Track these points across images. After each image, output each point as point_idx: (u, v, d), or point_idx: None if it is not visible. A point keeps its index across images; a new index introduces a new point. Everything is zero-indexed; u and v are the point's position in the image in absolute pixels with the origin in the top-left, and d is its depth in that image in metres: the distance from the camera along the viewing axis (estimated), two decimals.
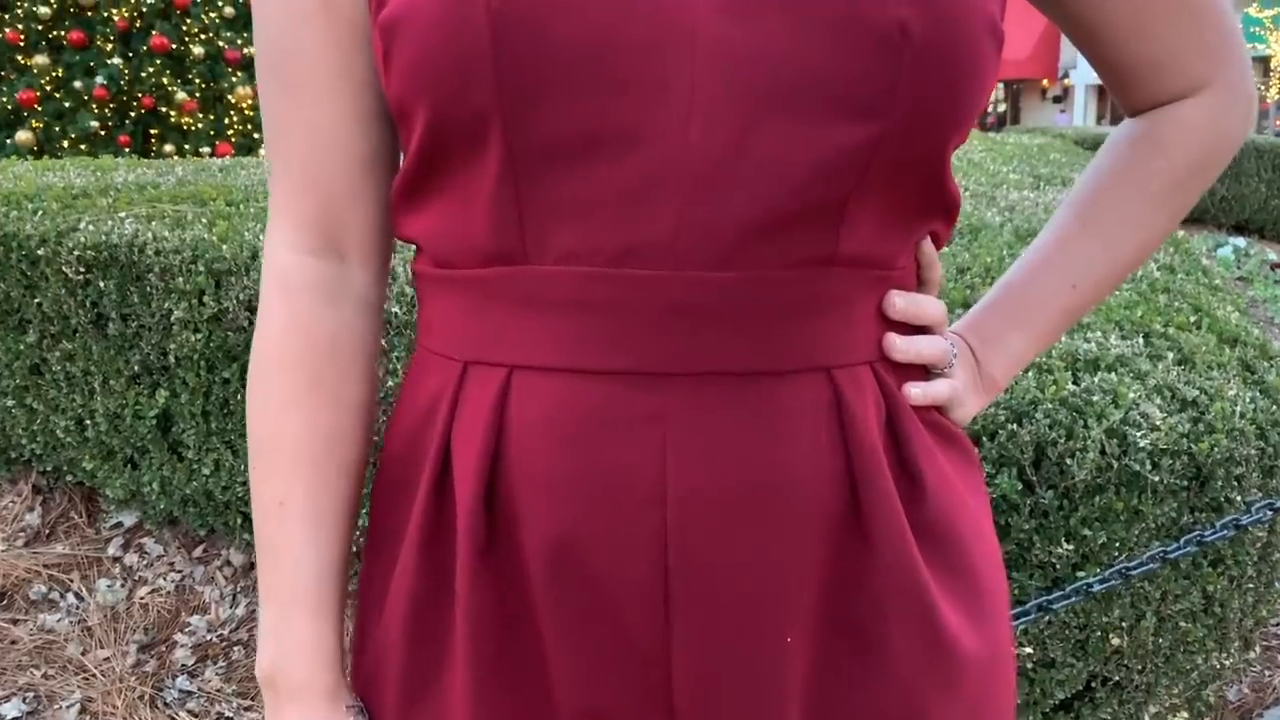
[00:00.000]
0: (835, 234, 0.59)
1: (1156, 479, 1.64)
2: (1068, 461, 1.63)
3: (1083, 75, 32.90)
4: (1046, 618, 1.66)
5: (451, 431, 0.64)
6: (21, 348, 2.16)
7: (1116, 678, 1.75)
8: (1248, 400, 1.77)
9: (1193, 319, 2.06)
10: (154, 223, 2.13)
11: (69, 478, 2.24)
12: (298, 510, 0.67)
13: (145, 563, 2.17)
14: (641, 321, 0.58)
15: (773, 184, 0.56)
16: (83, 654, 1.92)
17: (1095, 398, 1.70)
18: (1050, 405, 1.66)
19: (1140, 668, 1.75)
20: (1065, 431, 1.64)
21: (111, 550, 2.20)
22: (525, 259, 0.60)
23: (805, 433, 0.60)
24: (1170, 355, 1.86)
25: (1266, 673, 2.18)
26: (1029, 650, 1.68)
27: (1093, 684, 1.77)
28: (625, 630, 0.61)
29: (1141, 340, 1.91)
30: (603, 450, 0.59)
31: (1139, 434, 1.65)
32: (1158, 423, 1.67)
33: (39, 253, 2.09)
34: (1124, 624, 1.68)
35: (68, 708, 1.81)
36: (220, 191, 2.40)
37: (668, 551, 0.59)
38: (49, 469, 2.26)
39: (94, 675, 1.87)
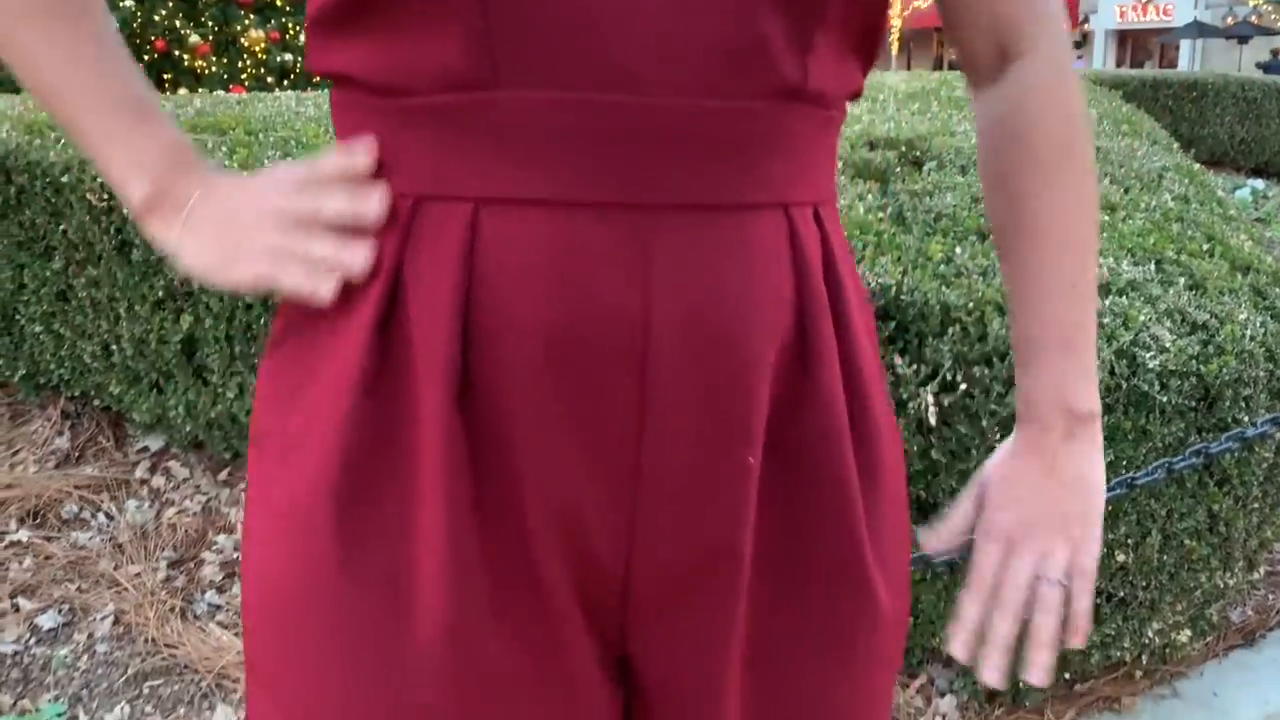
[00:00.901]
0: (804, 64, 0.61)
1: (1164, 399, 1.66)
2: None
3: (1103, 20, 32.27)
4: None
5: (402, 272, 0.62)
6: (48, 274, 2.20)
7: (1121, 594, 1.79)
8: (1258, 324, 1.79)
9: (1205, 247, 2.07)
10: None
11: (96, 402, 2.29)
12: (49, 19, 0.66)
13: (172, 485, 2.23)
14: (622, 150, 0.59)
15: (749, 6, 0.58)
16: (114, 569, 1.97)
17: (1105, 320, 1.72)
18: None
19: (1145, 584, 1.79)
20: None
21: (139, 473, 2.26)
22: (496, 84, 0.58)
23: (769, 265, 0.64)
24: (1181, 281, 1.88)
25: (1270, 595, 2.22)
26: None
27: (1098, 600, 1.81)
28: (602, 444, 0.63)
29: (1153, 266, 1.93)
30: (585, 284, 0.60)
31: (1148, 355, 1.67)
32: (1167, 345, 1.69)
33: (63, 180, 2.12)
34: (1129, 541, 1.72)
35: (101, 619, 1.87)
36: (238, 121, 2.42)
37: (646, 373, 0.62)
38: (77, 394, 2.31)
39: (126, 589, 1.93)
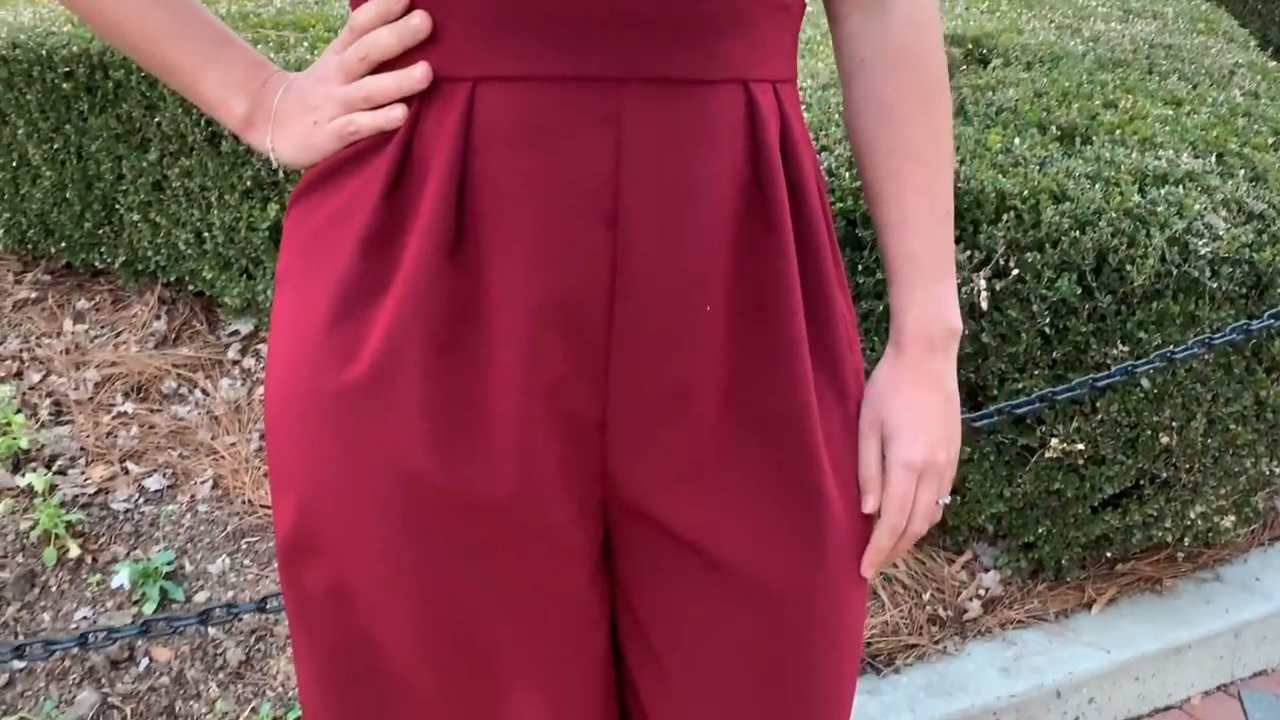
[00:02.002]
0: None
1: (1215, 285, 1.70)
2: (1128, 267, 1.70)
3: None
4: (1099, 416, 1.76)
5: (411, 143, 0.73)
6: (144, 165, 2.33)
7: (1165, 476, 1.85)
8: None
9: (1271, 141, 2.07)
10: (259, 46, 2.25)
11: (190, 288, 2.44)
12: None
13: (261, 366, 2.38)
14: (597, 30, 0.69)
15: None
16: (212, 439, 2.13)
17: (1160, 209, 1.75)
18: (1114, 215, 1.71)
19: (1189, 467, 1.84)
20: (1127, 239, 1.70)
21: (231, 354, 2.41)
22: None
23: (728, 135, 0.73)
24: (1242, 173, 1.89)
25: None
26: (1080, 446, 1.78)
27: (1141, 481, 1.87)
28: (577, 297, 0.73)
29: (1214, 159, 1.94)
30: (565, 149, 0.70)
31: (1201, 242, 1.70)
32: (1221, 233, 1.72)
33: None
34: (1174, 424, 1.77)
35: (202, 483, 2.03)
36: (318, 19, 2.51)
37: (617, 227, 0.72)
38: (172, 280, 2.45)
39: (223, 456, 2.09)
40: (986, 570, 1.99)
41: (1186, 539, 1.95)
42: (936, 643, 1.85)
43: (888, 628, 1.84)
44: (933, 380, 0.84)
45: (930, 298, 0.84)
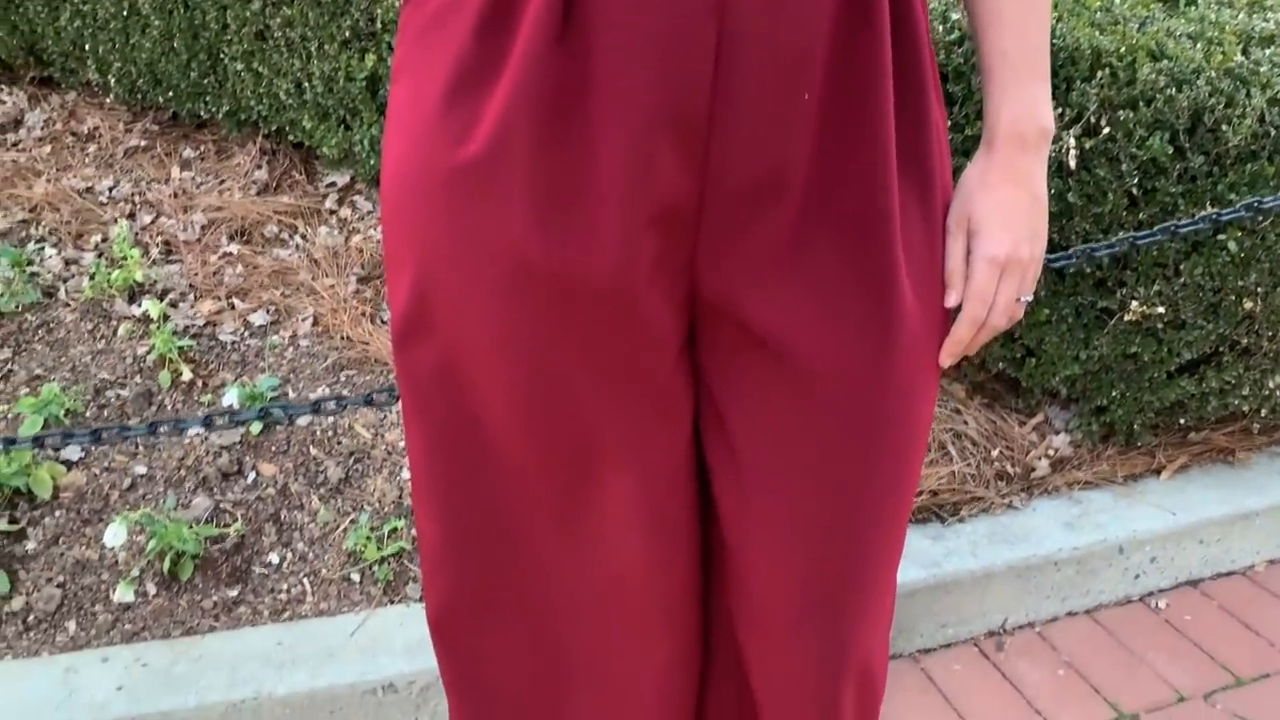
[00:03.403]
0: None
1: None
2: (1224, 127, 1.68)
3: None
4: (1181, 279, 1.76)
5: None
6: (248, 15, 2.40)
7: (1245, 343, 1.85)
8: None
9: None
10: None
11: (290, 138, 2.52)
12: None
13: (357, 216, 2.47)
14: None
15: None
16: (312, 280, 2.24)
17: (1263, 69, 1.71)
18: (1213, 74, 1.68)
19: (1271, 334, 1.84)
20: (1225, 98, 1.68)
21: (328, 204, 2.50)
22: None
23: None
24: None
25: None
26: (1160, 310, 1.79)
27: (1220, 348, 1.87)
28: (681, 85, 0.77)
29: None
30: None
31: None
32: None
33: None
34: (1259, 289, 1.76)
35: (303, 320, 2.14)
36: None
37: (725, 16, 0.75)
38: (273, 130, 2.54)
39: (322, 296, 2.19)
40: (1057, 433, 2.02)
41: (1263, 410, 1.95)
42: (1003, 497, 1.90)
43: (955, 479, 1.90)
44: (1022, 179, 0.87)
45: (1023, 97, 0.86)
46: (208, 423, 1.25)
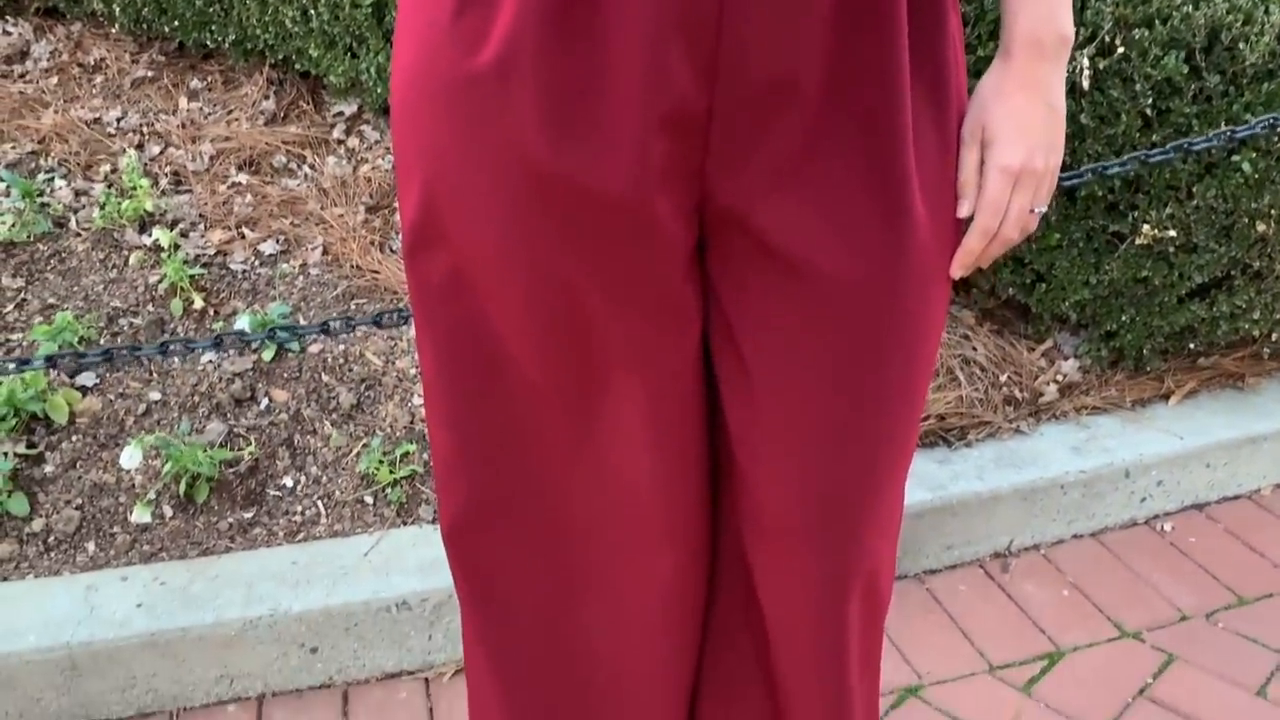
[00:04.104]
0: None
1: None
2: (1241, 46, 1.65)
3: None
4: (1194, 201, 1.75)
5: None
6: None
7: (1257, 266, 1.84)
8: None
9: None
10: None
11: (297, 67, 2.51)
12: None
13: (365, 145, 2.46)
14: None
15: None
16: (321, 210, 2.24)
17: None
18: None
19: None
20: (1244, 16, 1.65)
21: (336, 134, 2.49)
22: None
23: None
24: None
25: None
26: (1172, 233, 1.78)
27: (1232, 272, 1.86)
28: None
29: None
30: None
31: None
32: None
33: None
34: (1273, 211, 1.75)
35: (312, 249, 2.15)
36: None
37: None
38: (280, 59, 2.52)
39: (331, 226, 2.19)
40: (1066, 358, 2.02)
41: (1274, 334, 1.94)
42: (1010, 422, 1.91)
43: (962, 403, 1.90)
44: (1039, 87, 0.86)
45: (1042, 1, 0.84)
46: (218, 343, 1.26)
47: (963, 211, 0.89)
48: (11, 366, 1.28)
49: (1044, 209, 0.90)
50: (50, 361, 1.30)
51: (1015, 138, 0.86)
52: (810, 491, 0.96)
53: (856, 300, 0.88)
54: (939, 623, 1.69)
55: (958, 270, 0.91)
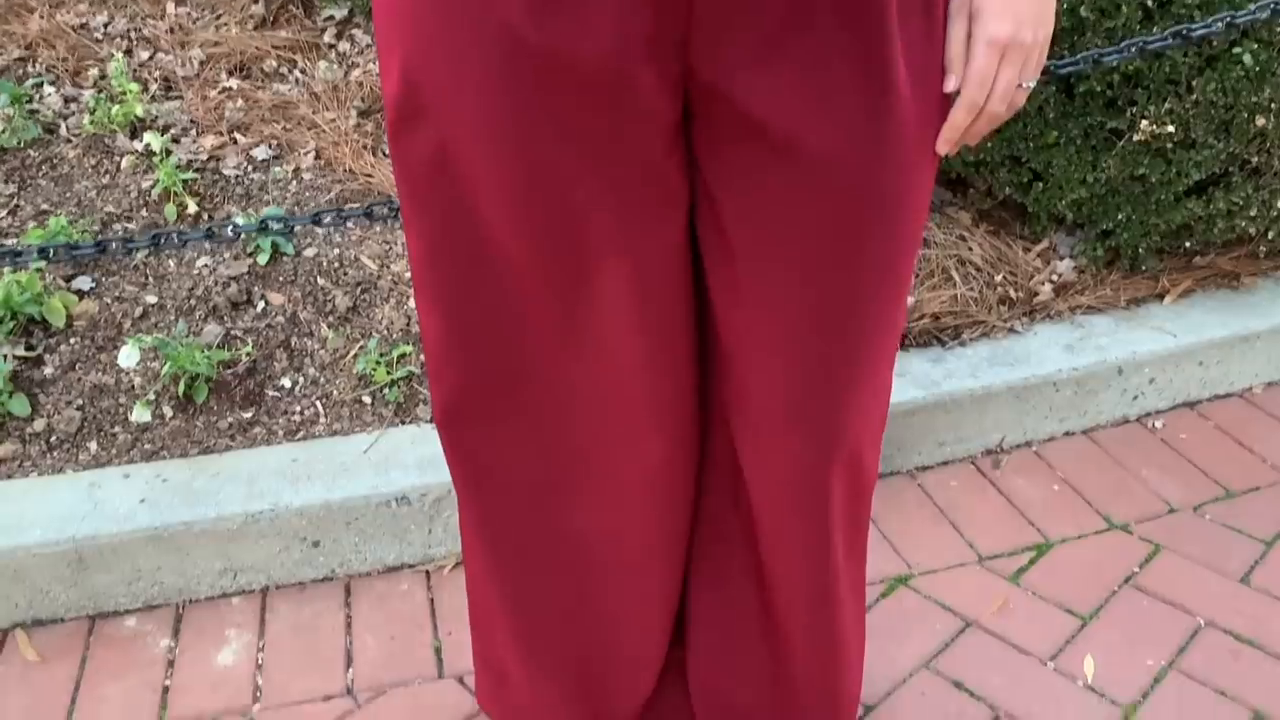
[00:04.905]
0: None
1: None
2: None
3: None
4: (1194, 95, 1.73)
5: None
6: None
7: (1255, 162, 1.83)
8: None
9: None
10: None
11: None
12: None
13: (356, 50, 2.43)
14: None
15: None
16: (313, 114, 2.22)
17: None
18: None
19: None
20: None
21: (327, 38, 2.45)
22: None
23: None
24: None
25: None
26: (1171, 129, 1.76)
27: (1230, 169, 1.85)
28: None
29: None
30: None
31: None
32: None
33: None
34: (1273, 105, 1.73)
35: (305, 154, 2.13)
36: None
37: None
38: None
39: (324, 130, 2.18)
40: (1062, 258, 2.02)
41: (1270, 232, 1.94)
42: (1005, 321, 1.92)
43: (957, 303, 1.91)
44: None
45: None
46: (210, 235, 1.26)
47: (949, 86, 0.88)
48: (6, 261, 1.29)
49: (1032, 84, 0.89)
50: (44, 254, 1.30)
51: (1003, 10, 0.85)
52: (794, 371, 0.97)
53: (839, 176, 0.88)
54: (930, 516, 1.72)
55: (943, 146, 0.90)
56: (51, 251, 1.30)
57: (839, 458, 1.03)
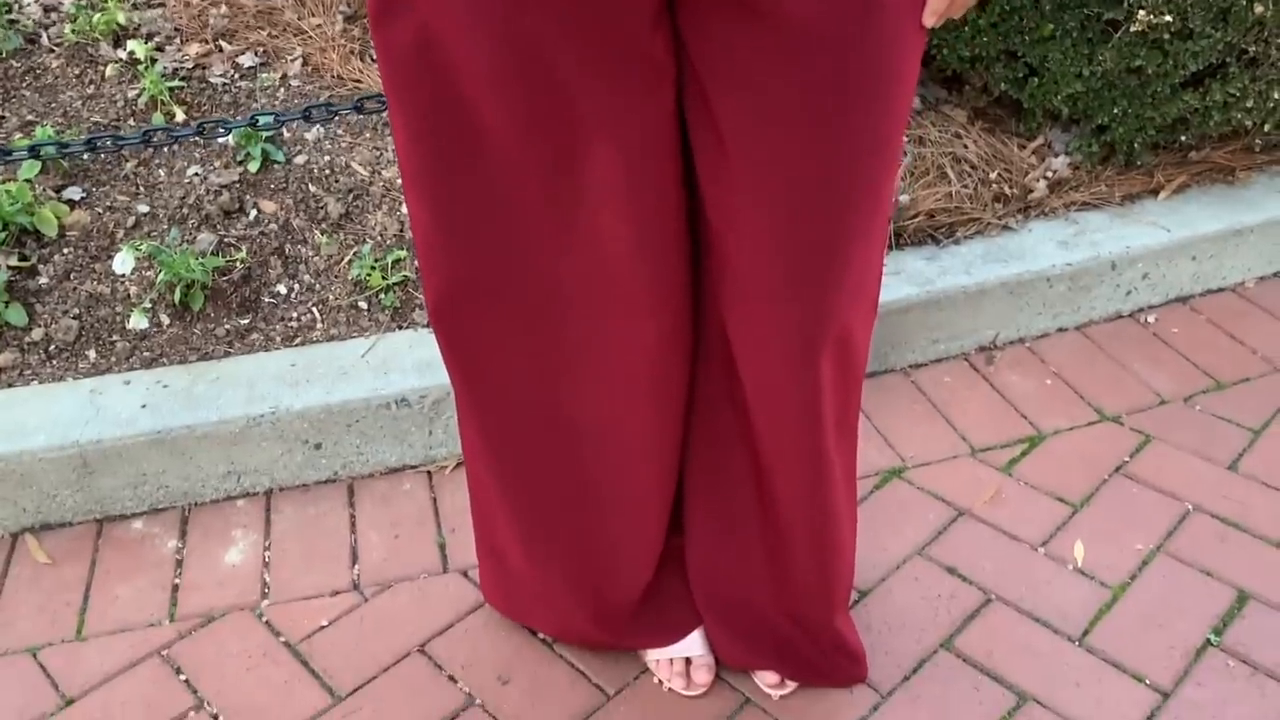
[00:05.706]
0: None
1: None
2: None
3: None
4: None
5: None
6: None
7: (1253, 51, 1.81)
8: None
9: None
10: None
11: None
12: None
13: None
14: None
15: None
16: (299, 20, 2.18)
17: None
18: None
19: None
20: None
21: None
22: None
23: None
24: None
25: None
26: (1168, 19, 1.74)
27: (1227, 60, 1.83)
28: None
29: None
30: None
31: None
32: None
33: None
34: None
35: (292, 60, 2.10)
36: None
37: None
38: None
39: (310, 36, 2.15)
40: (1057, 155, 2.01)
41: (1267, 125, 1.93)
42: (999, 219, 1.91)
43: (951, 200, 1.90)
44: None
45: None
46: (200, 131, 1.25)
47: None
48: None
49: None
50: (34, 152, 1.29)
51: None
52: (783, 248, 0.97)
53: (824, 44, 0.88)
54: (923, 411, 1.74)
55: (930, 18, 0.90)
56: (41, 150, 1.29)
57: (830, 335, 1.03)
